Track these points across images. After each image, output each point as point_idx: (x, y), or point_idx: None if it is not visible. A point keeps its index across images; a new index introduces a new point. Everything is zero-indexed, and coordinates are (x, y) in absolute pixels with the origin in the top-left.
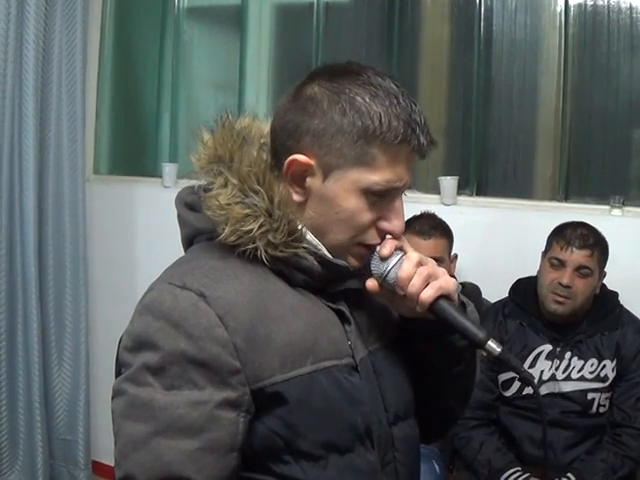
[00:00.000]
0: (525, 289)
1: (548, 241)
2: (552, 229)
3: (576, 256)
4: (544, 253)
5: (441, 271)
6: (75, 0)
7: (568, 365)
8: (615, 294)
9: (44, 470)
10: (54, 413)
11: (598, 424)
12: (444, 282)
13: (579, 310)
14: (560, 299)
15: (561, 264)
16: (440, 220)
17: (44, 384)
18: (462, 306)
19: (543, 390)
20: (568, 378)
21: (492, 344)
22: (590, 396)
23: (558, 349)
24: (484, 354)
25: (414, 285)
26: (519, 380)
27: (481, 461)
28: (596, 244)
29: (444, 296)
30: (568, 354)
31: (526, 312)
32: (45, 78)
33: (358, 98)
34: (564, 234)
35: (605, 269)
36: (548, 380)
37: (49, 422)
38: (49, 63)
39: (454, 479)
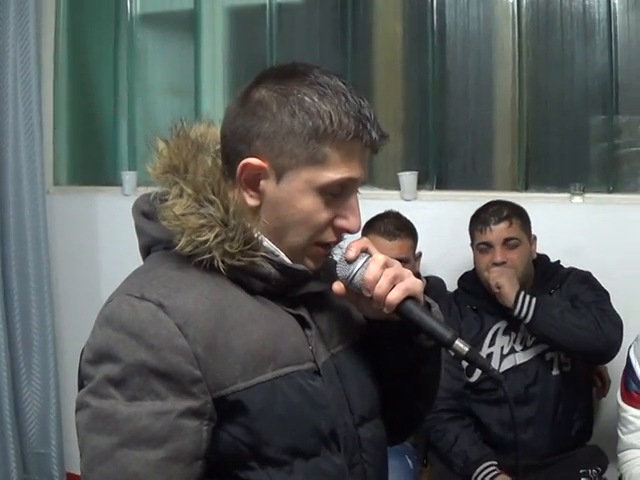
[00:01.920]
0: (472, 278)
1: (469, 233)
2: (469, 221)
3: (497, 232)
4: (472, 245)
5: (407, 272)
6: (27, 13)
7: (524, 336)
8: (557, 262)
9: None
10: (26, 427)
11: (565, 389)
12: (410, 283)
13: (524, 281)
14: None
15: (488, 246)
16: (405, 220)
17: (14, 398)
18: (427, 307)
19: (505, 365)
20: (525, 348)
21: (459, 344)
22: (548, 356)
23: (513, 322)
24: (452, 354)
25: (381, 287)
26: (488, 379)
27: (457, 453)
28: (511, 214)
29: (410, 297)
30: (522, 325)
31: (476, 296)
32: (0, 91)
33: (307, 98)
34: (479, 218)
35: (533, 233)
36: (508, 354)
37: (21, 436)
38: (3, 76)
39: (428, 473)
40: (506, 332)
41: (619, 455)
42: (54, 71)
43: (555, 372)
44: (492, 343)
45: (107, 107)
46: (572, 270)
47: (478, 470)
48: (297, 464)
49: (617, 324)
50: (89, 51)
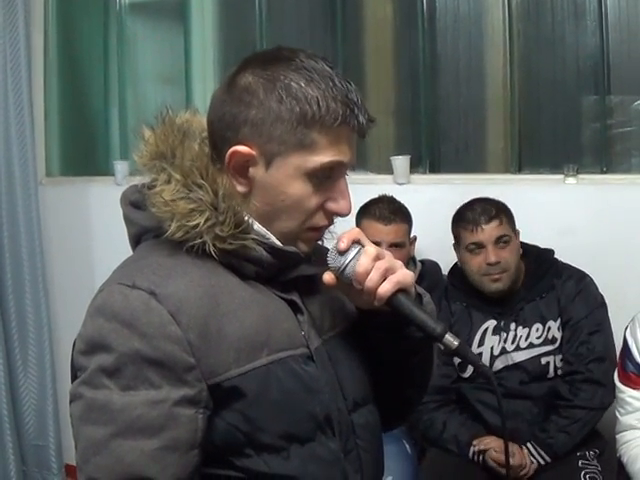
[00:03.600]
0: (461, 272)
1: (454, 232)
2: (452, 221)
3: (489, 231)
4: (456, 245)
5: (398, 264)
6: (16, 3)
7: (515, 335)
8: (550, 251)
9: (17, 477)
10: (23, 419)
11: (559, 390)
12: (402, 276)
13: (515, 278)
14: (496, 276)
15: (479, 246)
16: (400, 204)
17: (11, 391)
18: (418, 297)
19: (497, 365)
20: (518, 348)
21: (449, 337)
22: (544, 360)
23: (502, 322)
24: (442, 347)
25: (372, 280)
26: (476, 373)
27: (447, 438)
28: (499, 211)
29: (401, 290)
30: (513, 325)
31: (466, 293)
32: None
33: (294, 84)
34: (467, 218)
35: (518, 228)
36: (500, 354)
37: (19, 429)
38: None
39: (427, 461)
40: (496, 331)
41: (617, 436)
42: (44, 61)
43: (550, 375)
44: (481, 343)
45: (98, 97)
46: (570, 271)
47: (471, 450)
48: (293, 450)
49: (609, 384)
50: (79, 41)
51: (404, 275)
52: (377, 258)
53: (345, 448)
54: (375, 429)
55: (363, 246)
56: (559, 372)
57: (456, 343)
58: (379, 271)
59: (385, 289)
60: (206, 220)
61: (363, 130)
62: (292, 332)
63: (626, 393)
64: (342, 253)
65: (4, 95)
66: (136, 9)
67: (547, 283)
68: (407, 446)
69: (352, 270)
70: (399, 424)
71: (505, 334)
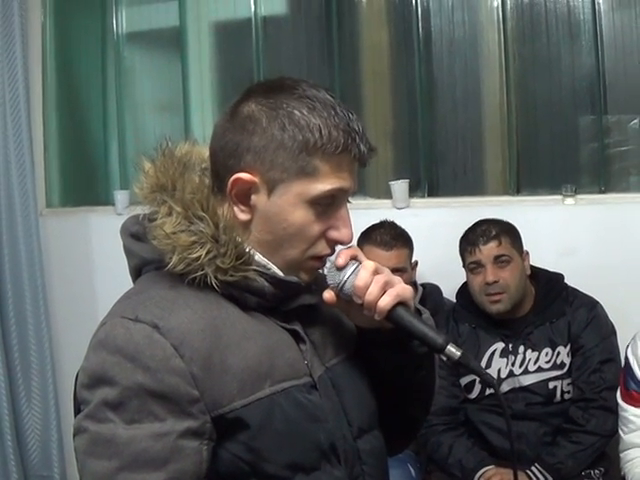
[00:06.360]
0: (468, 294)
1: (460, 255)
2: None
3: (486, 251)
4: (464, 267)
5: (397, 279)
6: (14, 35)
7: (523, 359)
8: (560, 276)
9: None
10: (27, 450)
11: (565, 411)
12: (401, 289)
13: (520, 298)
14: (495, 297)
15: (478, 265)
16: (401, 229)
17: (15, 422)
18: (417, 313)
19: (504, 387)
20: (526, 371)
21: (452, 348)
22: (551, 385)
23: (511, 345)
24: (444, 359)
25: (371, 293)
26: (480, 382)
27: (452, 464)
28: (500, 232)
29: (401, 303)
30: (521, 348)
31: (474, 314)
32: None
33: (296, 112)
34: (468, 239)
35: (525, 248)
36: (507, 377)
37: (24, 460)
38: None
39: None
40: (503, 354)
41: (621, 455)
42: (42, 92)
43: (557, 399)
44: (489, 365)
45: (97, 127)
46: (581, 299)
47: (476, 477)
48: (298, 479)
49: (614, 410)
50: (77, 71)
51: (403, 288)
52: (376, 272)
53: (351, 475)
54: (380, 454)
55: (361, 262)
56: (565, 396)
57: (458, 353)
58: (378, 284)
59: (385, 302)
60: (207, 252)
61: (364, 159)
62: (295, 362)
63: (629, 411)
64: (341, 269)
65: (3, 127)
66: (133, 39)
67: (557, 309)
68: (412, 470)
69: (351, 285)
70: (404, 448)
71: (513, 357)
